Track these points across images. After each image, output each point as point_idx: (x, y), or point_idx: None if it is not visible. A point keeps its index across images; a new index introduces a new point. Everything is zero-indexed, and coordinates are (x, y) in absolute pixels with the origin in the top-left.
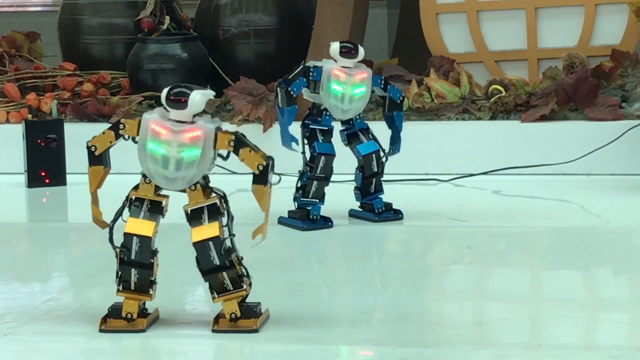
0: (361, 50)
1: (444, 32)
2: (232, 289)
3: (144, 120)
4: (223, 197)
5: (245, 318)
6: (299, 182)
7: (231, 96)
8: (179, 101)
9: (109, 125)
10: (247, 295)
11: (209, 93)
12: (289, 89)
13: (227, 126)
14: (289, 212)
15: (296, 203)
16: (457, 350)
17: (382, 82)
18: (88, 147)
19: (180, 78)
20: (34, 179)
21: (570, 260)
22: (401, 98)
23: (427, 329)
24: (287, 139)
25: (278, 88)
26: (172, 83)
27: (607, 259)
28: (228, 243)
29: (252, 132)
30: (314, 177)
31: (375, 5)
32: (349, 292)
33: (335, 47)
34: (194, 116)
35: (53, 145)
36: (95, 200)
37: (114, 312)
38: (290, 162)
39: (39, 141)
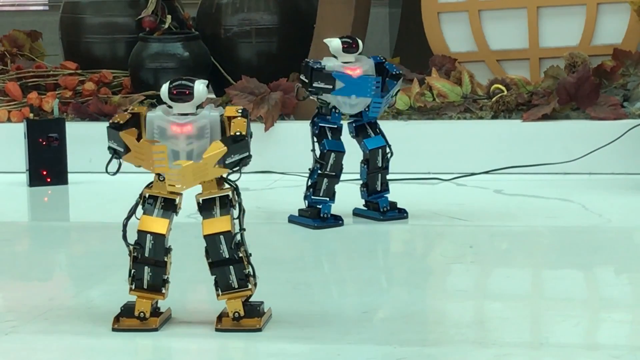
0: (360, 43)
1: (445, 31)
2: (237, 287)
3: (149, 119)
4: (235, 189)
5: (249, 317)
6: (309, 180)
7: (233, 95)
8: (183, 94)
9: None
10: (251, 295)
11: (205, 81)
12: (316, 69)
13: None
14: (300, 210)
15: (307, 201)
16: (458, 350)
17: (381, 57)
18: (113, 123)
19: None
20: (36, 178)
21: (572, 259)
22: (398, 71)
23: (429, 328)
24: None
25: (311, 90)
26: None
27: (609, 258)
28: (238, 237)
29: (253, 131)
30: (324, 175)
31: (377, 4)
32: (351, 291)
33: (336, 43)
34: (197, 107)
35: (54, 144)
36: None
37: (127, 310)
38: (297, 161)
39: (41, 140)
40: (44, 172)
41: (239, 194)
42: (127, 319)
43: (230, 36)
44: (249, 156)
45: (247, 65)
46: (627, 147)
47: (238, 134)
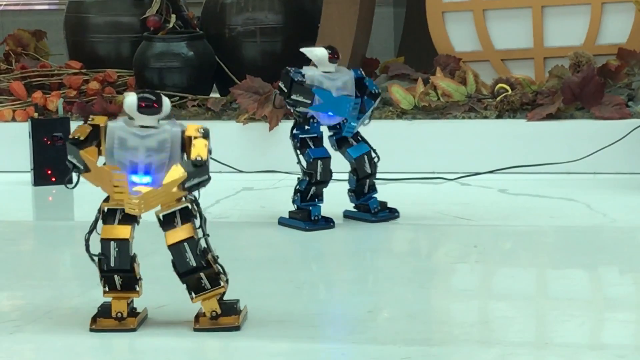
0: (340, 54)
1: (450, 30)
2: (209, 287)
3: (110, 129)
4: (194, 201)
5: (226, 315)
6: (298, 186)
7: (237, 95)
8: (151, 107)
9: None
10: (224, 293)
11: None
12: (296, 81)
13: (232, 125)
14: (290, 212)
15: (295, 205)
16: (463, 349)
17: (361, 72)
18: (73, 139)
19: (186, 76)
20: (40, 177)
21: (577, 259)
22: (376, 90)
23: (433, 328)
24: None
25: (288, 101)
26: (179, 81)
27: (613, 257)
28: (203, 243)
29: (258, 130)
30: (315, 184)
31: (382, 3)
32: (354, 290)
33: (322, 53)
34: (159, 121)
35: (59, 143)
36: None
37: (104, 311)
38: (293, 161)
39: (45, 139)
40: (49, 172)
41: (198, 204)
42: (104, 320)
43: (234, 35)
44: (208, 179)
45: (251, 65)
46: (632, 146)
47: (198, 159)
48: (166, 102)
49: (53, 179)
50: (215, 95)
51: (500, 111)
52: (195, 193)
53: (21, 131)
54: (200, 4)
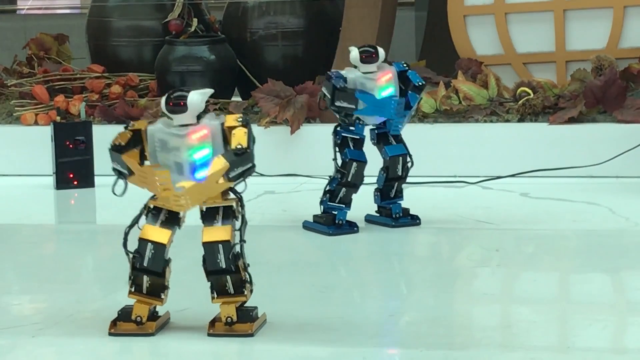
0: (381, 51)
1: (471, 34)
2: (233, 292)
3: (150, 133)
4: (240, 200)
5: (241, 322)
6: (328, 186)
7: (259, 98)
8: (178, 105)
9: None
10: (245, 301)
11: (207, 91)
12: (339, 88)
13: (254, 128)
14: (314, 216)
15: (322, 207)
16: (485, 353)
17: (404, 64)
18: (114, 145)
19: (207, 80)
20: (62, 181)
21: (599, 263)
22: (420, 82)
23: (455, 332)
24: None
25: (333, 108)
26: (200, 85)
27: (636, 261)
28: (237, 249)
29: (279, 134)
30: (344, 184)
31: (403, 7)
32: (376, 294)
33: (355, 54)
34: (198, 117)
35: (81, 147)
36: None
37: (124, 315)
38: (323, 164)
39: (68, 143)
40: (71, 175)
41: (242, 206)
42: (124, 323)
43: (256, 39)
44: (253, 166)
45: (273, 68)
46: None
47: (239, 147)
48: (192, 100)
49: (75, 183)
50: (236, 99)
51: (522, 115)
52: (241, 187)
53: (43, 135)
54: (222, 7)
